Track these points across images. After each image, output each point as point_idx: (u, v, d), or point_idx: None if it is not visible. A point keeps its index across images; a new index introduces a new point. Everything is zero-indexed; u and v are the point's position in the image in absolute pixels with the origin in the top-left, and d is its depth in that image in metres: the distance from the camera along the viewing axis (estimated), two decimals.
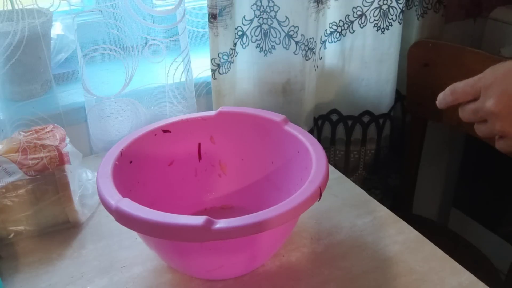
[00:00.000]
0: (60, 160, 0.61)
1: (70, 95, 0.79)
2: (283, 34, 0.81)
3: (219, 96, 0.82)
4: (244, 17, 0.80)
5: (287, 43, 0.82)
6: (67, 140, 0.64)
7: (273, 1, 0.78)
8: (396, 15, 0.90)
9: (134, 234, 0.61)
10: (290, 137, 0.61)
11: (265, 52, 0.83)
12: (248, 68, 0.84)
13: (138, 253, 0.60)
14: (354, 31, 0.90)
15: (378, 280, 0.55)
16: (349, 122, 1.00)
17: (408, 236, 0.62)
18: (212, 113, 0.66)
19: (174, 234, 0.46)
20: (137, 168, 0.60)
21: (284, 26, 0.80)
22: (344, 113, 0.99)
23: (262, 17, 0.80)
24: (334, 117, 1.00)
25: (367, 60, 0.93)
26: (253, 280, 0.56)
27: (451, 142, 1.26)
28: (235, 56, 0.82)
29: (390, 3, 0.88)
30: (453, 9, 1.10)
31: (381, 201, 0.69)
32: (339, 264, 0.58)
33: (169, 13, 0.74)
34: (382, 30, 0.90)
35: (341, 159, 1.04)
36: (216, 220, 0.45)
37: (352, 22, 0.90)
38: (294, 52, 0.83)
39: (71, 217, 0.64)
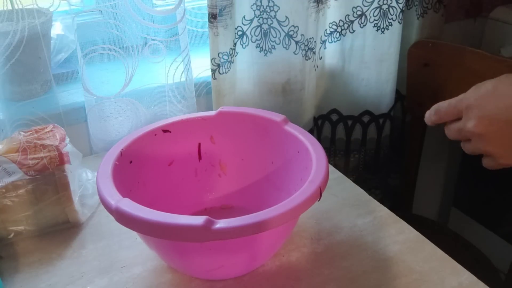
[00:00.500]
0: (60, 160, 0.61)
1: (70, 95, 0.79)
2: (283, 34, 0.81)
3: (219, 96, 0.82)
4: (244, 17, 0.80)
5: (287, 43, 0.82)
6: (67, 140, 0.64)
7: (273, 1, 0.78)
8: (396, 15, 0.90)
9: (134, 234, 0.61)
10: (290, 137, 0.61)
11: (265, 52, 0.83)
12: (248, 68, 0.84)
13: (138, 253, 0.60)
14: (354, 31, 0.90)
15: (378, 280, 0.55)
16: (349, 122, 1.00)
17: (408, 236, 0.62)
18: (212, 113, 0.66)
19: (174, 234, 0.46)
20: (137, 168, 0.60)
21: (284, 26, 0.80)
22: (344, 113, 0.99)
23: (262, 17, 0.80)
24: (334, 117, 1.00)
25: (367, 60, 0.93)
26: (253, 280, 0.56)
27: (451, 142, 1.26)
28: (235, 56, 0.82)
29: (390, 3, 0.88)
30: (453, 9, 1.10)
31: (381, 201, 0.69)
32: (339, 264, 0.58)
33: (169, 13, 0.74)
34: (382, 30, 0.90)
35: (341, 159, 1.04)
36: (216, 220, 0.45)
37: (352, 22, 0.90)
38: (294, 52, 0.83)
39: (71, 217, 0.64)
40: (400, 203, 1.13)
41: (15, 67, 0.70)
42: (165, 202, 0.60)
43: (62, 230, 0.64)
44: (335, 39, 0.92)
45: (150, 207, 0.47)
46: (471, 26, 1.16)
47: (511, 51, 1.05)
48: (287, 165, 0.62)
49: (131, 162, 0.59)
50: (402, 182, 1.12)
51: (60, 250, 0.61)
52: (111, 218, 0.48)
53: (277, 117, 0.63)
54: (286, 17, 0.80)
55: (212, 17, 0.75)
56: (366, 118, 0.99)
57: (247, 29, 0.81)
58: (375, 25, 0.90)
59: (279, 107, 0.87)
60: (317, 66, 0.91)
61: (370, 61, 0.93)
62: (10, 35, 0.67)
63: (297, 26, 0.81)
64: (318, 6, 0.82)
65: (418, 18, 0.96)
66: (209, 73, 0.81)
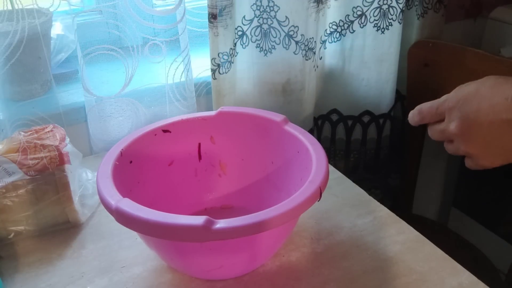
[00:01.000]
0: (60, 160, 0.61)
1: (70, 95, 0.79)
2: (283, 34, 0.81)
3: (219, 96, 0.82)
4: (244, 17, 0.80)
5: (287, 43, 0.82)
6: (67, 140, 0.64)
7: (273, 1, 0.78)
8: (396, 15, 0.90)
9: (134, 234, 0.61)
10: (290, 137, 0.61)
11: (265, 52, 0.83)
12: (248, 68, 0.84)
13: (138, 253, 0.60)
14: (354, 31, 0.90)
15: (378, 280, 0.55)
16: (349, 122, 1.00)
17: (408, 236, 0.62)
18: (212, 113, 0.66)
19: (174, 234, 0.46)
20: (137, 168, 0.60)
21: (284, 26, 0.80)
22: (344, 113, 0.99)
23: (262, 17, 0.80)
24: (334, 117, 1.00)
25: (367, 60, 0.93)
26: (253, 280, 0.56)
27: None
28: (235, 56, 0.82)
29: (390, 3, 0.88)
30: (453, 9, 1.10)
31: (381, 201, 0.69)
32: (339, 264, 0.58)
33: (169, 13, 0.74)
34: (382, 30, 0.90)
35: (341, 159, 1.04)
36: (216, 220, 0.45)
37: (352, 22, 0.90)
38: (294, 52, 0.83)
39: (71, 217, 0.64)
40: (400, 203, 1.13)
41: (15, 67, 0.70)
42: (165, 202, 0.60)
43: (62, 230, 0.64)
44: (335, 39, 0.92)
45: (150, 207, 0.47)
46: (471, 26, 1.16)
47: (511, 51, 1.05)
48: (287, 165, 0.62)
49: (131, 162, 0.59)
50: (402, 182, 1.12)
51: (60, 250, 0.61)
52: (111, 218, 0.48)
53: (277, 117, 0.63)
54: (286, 17, 0.80)
55: (212, 17, 0.75)
56: (366, 118, 0.99)
57: (247, 29, 0.81)
58: (375, 25, 0.90)
59: (279, 107, 0.87)
60: (317, 66, 0.91)
61: (370, 61, 0.93)
62: (10, 35, 0.67)
63: (297, 26, 0.81)
64: (318, 6, 0.82)
65: (418, 18, 0.96)
66: (209, 73, 0.81)
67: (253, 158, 0.66)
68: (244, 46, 0.82)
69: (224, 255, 0.51)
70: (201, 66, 0.85)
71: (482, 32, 1.14)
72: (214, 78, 0.80)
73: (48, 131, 0.64)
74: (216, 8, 0.74)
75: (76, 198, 0.63)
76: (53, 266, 0.58)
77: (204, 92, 0.87)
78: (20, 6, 0.66)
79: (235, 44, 0.81)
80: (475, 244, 1.03)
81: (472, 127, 0.48)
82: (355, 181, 0.73)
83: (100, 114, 0.78)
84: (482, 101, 0.47)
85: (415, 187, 1.10)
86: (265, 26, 0.81)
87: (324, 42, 0.91)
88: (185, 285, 0.55)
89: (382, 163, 1.06)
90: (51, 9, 0.70)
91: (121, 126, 0.81)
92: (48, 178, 0.61)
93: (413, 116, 0.55)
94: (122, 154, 0.57)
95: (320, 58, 0.92)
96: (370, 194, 0.70)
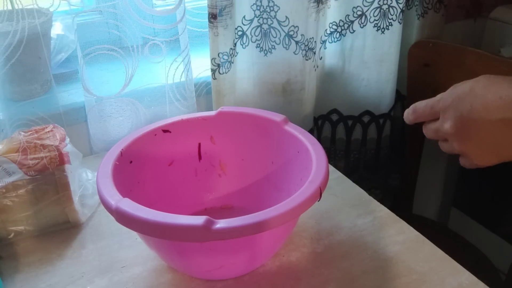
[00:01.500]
0: (60, 160, 0.61)
1: (70, 95, 0.79)
2: (283, 34, 0.81)
3: (219, 96, 0.82)
4: (244, 17, 0.80)
5: (287, 43, 0.82)
6: (67, 140, 0.64)
7: (273, 1, 0.78)
8: (396, 15, 0.90)
9: (134, 234, 0.61)
10: (290, 137, 0.61)
11: (265, 52, 0.83)
12: (248, 68, 0.84)
13: (138, 253, 0.60)
14: (354, 31, 0.90)
15: (378, 280, 0.55)
16: (349, 122, 1.00)
17: (408, 236, 0.62)
18: (212, 113, 0.66)
19: (174, 234, 0.46)
20: (137, 168, 0.60)
21: (284, 26, 0.80)
22: (344, 113, 0.99)
23: (262, 17, 0.80)
24: (334, 117, 1.00)
25: (367, 60, 0.93)
26: (253, 280, 0.56)
27: None
28: (235, 56, 0.82)
29: (390, 3, 0.88)
30: (454, 9, 1.10)
31: (381, 201, 0.69)
32: (339, 264, 0.58)
33: (169, 13, 0.74)
34: (382, 30, 0.90)
35: (341, 159, 1.04)
36: (216, 220, 0.45)
37: (352, 22, 0.90)
38: (294, 52, 0.83)
39: (71, 217, 0.64)
40: (400, 203, 1.13)
41: (15, 67, 0.70)
42: (165, 202, 0.60)
43: (62, 230, 0.64)
44: (335, 39, 0.92)
45: (150, 207, 0.47)
46: (471, 26, 1.16)
47: (511, 51, 1.05)
48: (287, 165, 0.62)
49: (131, 162, 0.59)
50: (402, 182, 1.12)
51: (60, 250, 0.61)
52: (111, 218, 0.48)
53: (277, 117, 0.63)
54: (286, 17, 0.80)
55: (212, 17, 0.75)
56: (366, 118, 0.99)
57: (247, 29, 0.81)
58: (375, 25, 0.90)
59: (279, 107, 0.87)
60: (317, 66, 0.91)
61: (370, 61, 0.93)
62: (10, 35, 0.67)
63: (297, 26, 0.81)
64: (318, 6, 0.82)
65: (418, 18, 0.96)
66: (209, 73, 0.81)
67: (253, 158, 0.66)
68: (244, 46, 0.82)
69: (224, 255, 0.51)
70: (201, 66, 0.85)
71: (482, 32, 1.14)
72: (214, 78, 0.80)
73: (48, 131, 0.64)
74: (216, 8, 0.74)
75: (76, 198, 0.63)
76: (53, 266, 0.58)
77: (204, 92, 0.87)
78: (20, 6, 0.66)
79: (235, 44, 0.81)
80: (475, 244, 1.03)
81: (466, 126, 0.48)
82: (355, 181, 0.73)
83: (100, 114, 0.78)
84: (476, 100, 0.47)
85: (415, 187, 1.10)
86: (265, 26, 0.81)
87: (324, 42, 0.91)
88: (185, 285, 0.55)
89: (382, 163, 1.06)
90: (51, 9, 0.70)
91: (121, 126, 0.81)
92: (48, 178, 0.61)
93: (408, 115, 0.56)
94: (122, 154, 0.57)
95: (320, 58, 0.92)
96: (370, 194, 0.70)
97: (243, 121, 0.65)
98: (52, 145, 0.62)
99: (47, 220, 0.63)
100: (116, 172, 0.54)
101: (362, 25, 0.90)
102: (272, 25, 0.80)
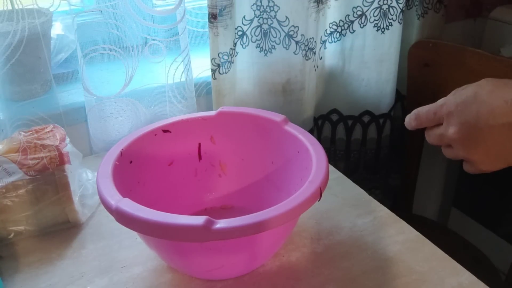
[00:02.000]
0: (60, 160, 0.61)
1: (70, 95, 0.79)
2: (283, 34, 0.81)
3: (219, 96, 0.82)
4: (244, 17, 0.80)
5: (287, 43, 0.82)
6: (67, 140, 0.64)
7: (273, 1, 0.78)
8: (396, 15, 0.90)
9: (134, 234, 0.61)
10: (290, 137, 0.61)
11: (265, 52, 0.83)
12: (248, 68, 0.84)
13: (138, 253, 0.60)
14: (354, 31, 0.90)
15: (378, 280, 0.55)
16: (349, 122, 1.00)
17: (408, 236, 0.62)
18: (212, 113, 0.66)
19: (174, 234, 0.46)
20: (137, 168, 0.60)
21: (284, 26, 0.80)
22: (344, 113, 0.99)
23: (262, 17, 0.80)
24: (334, 117, 1.00)
25: (367, 60, 0.93)
26: (253, 280, 0.56)
27: None
28: (235, 56, 0.82)
29: (390, 3, 0.88)
30: (453, 9, 1.10)
31: (381, 201, 0.69)
32: (339, 264, 0.58)
33: (169, 13, 0.74)
34: (382, 30, 0.90)
35: (341, 159, 1.04)
36: (216, 220, 0.45)
37: (352, 22, 0.90)
38: (294, 52, 0.83)
39: (71, 217, 0.64)
40: (400, 203, 1.13)
41: (15, 67, 0.70)
42: (165, 202, 0.60)
43: (62, 230, 0.64)
44: (335, 39, 0.92)
45: (150, 207, 0.47)
46: (471, 26, 1.16)
47: (511, 51, 1.05)
48: (287, 165, 0.62)
49: (131, 162, 0.59)
50: (402, 182, 1.12)
51: (60, 250, 0.61)
52: (111, 218, 0.48)
53: (277, 117, 0.63)
54: (286, 17, 0.80)
55: (212, 17, 0.75)
56: (366, 118, 0.99)
57: (247, 29, 0.81)
58: (375, 25, 0.90)
59: (279, 107, 0.87)
60: (317, 66, 0.91)
61: (370, 61, 0.93)
62: (10, 35, 0.67)
63: (297, 26, 0.81)
64: (318, 6, 0.82)
65: (418, 18, 0.96)
66: (209, 73, 0.81)
67: (253, 158, 0.66)
68: (244, 46, 0.82)
69: (224, 255, 0.51)
70: (201, 66, 0.85)
71: (482, 32, 1.14)
72: (214, 78, 0.80)
73: (48, 131, 0.64)
74: (216, 8, 0.74)
75: (76, 198, 0.63)
76: (53, 266, 0.58)
77: (204, 92, 0.87)
78: (20, 6, 0.66)
79: (235, 44, 0.81)
80: (475, 244, 1.03)
81: (472, 132, 0.48)
82: (355, 181, 0.73)
83: (100, 114, 0.78)
84: (481, 106, 0.47)
85: (415, 187, 1.10)
86: (265, 26, 0.81)
87: (324, 42, 0.91)
88: (185, 285, 0.55)
89: (382, 163, 1.06)
90: (51, 9, 0.70)
91: (121, 126, 0.81)
92: (48, 178, 0.61)
93: (410, 121, 0.55)
94: (122, 154, 0.57)
95: (320, 58, 0.92)
96: (370, 194, 0.70)
97: (243, 121, 0.65)
98: (52, 145, 0.62)
99: (47, 220, 0.63)
100: (116, 172, 0.54)
101: (362, 25, 0.90)
102: (272, 25, 0.80)
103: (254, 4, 0.79)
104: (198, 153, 0.67)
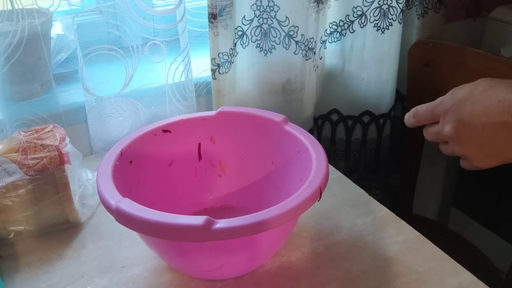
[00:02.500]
0: (60, 160, 0.61)
1: (70, 95, 0.79)
2: (283, 34, 0.81)
3: (219, 96, 0.82)
4: (244, 17, 0.80)
5: (287, 43, 0.82)
6: (67, 140, 0.64)
7: (273, 1, 0.78)
8: (396, 15, 0.89)
9: (134, 234, 0.61)
10: (290, 137, 0.61)
11: (265, 52, 0.83)
12: (248, 68, 0.84)
13: (138, 253, 0.60)
14: (354, 31, 0.90)
15: (378, 280, 0.55)
16: (349, 122, 1.00)
17: (408, 236, 0.62)
18: (212, 113, 0.66)
19: (174, 234, 0.46)
20: (137, 168, 0.60)
21: (284, 26, 0.80)
22: (344, 113, 0.99)
23: (262, 17, 0.80)
24: (334, 117, 1.00)
25: (367, 60, 0.93)
26: (253, 280, 0.56)
27: None
28: (235, 56, 0.82)
29: (390, 3, 0.88)
30: (453, 9, 1.10)
31: (381, 201, 0.69)
32: (339, 264, 0.58)
33: (169, 13, 0.74)
34: (382, 30, 0.90)
35: (341, 159, 1.04)
36: (216, 220, 0.45)
37: (352, 22, 0.90)
38: (294, 52, 0.83)
39: (71, 217, 0.64)
40: (400, 203, 1.13)
41: (15, 67, 0.70)
42: (165, 202, 0.60)
43: (62, 230, 0.64)
44: (335, 39, 0.92)
45: (150, 207, 0.47)
46: (471, 26, 1.16)
47: (511, 51, 1.05)
48: (287, 165, 0.62)
49: (131, 162, 0.59)
50: (402, 182, 1.12)
51: (60, 250, 0.61)
52: (111, 218, 0.48)
53: (277, 117, 0.63)
54: (286, 17, 0.80)
55: (212, 17, 0.75)
56: (366, 118, 0.99)
57: (247, 29, 0.81)
58: (375, 25, 0.90)
59: (279, 107, 0.87)
60: (317, 66, 0.91)
61: (370, 61, 0.93)
62: (10, 35, 0.67)
63: (297, 26, 0.81)
64: (318, 6, 0.82)
65: (418, 18, 0.96)
66: (209, 73, 0.81)
67: (253, 158, 0.66)
68: (244, 46, 0.82)
69: (224, 255, 0.51)
70: (201, 66, 0.85)
71: (482, 32, 1.14)
72: (214, 78, 0.80)
73: (48, 131, 0.64)
74: (216, 8, 0.74)
75: (76, 198, 0.63)
76: (53, 266, 0.58)
77: (204, 92, 0.87)
78: (20, 6, 0.66)
79: (235, 44, 0.81)
80: (475, 244, 1.03)
81: (466, 130, 0.49)
82: (355, 181, 0.73)
83: (100, 114, 0.78)
84: (475, 104, 0.48)
85: (415, 187, 1.10)
86: (265, 26, 0.81)
87: (324, 42, 0.91)
88: (185, 285, 0.55)
89: (382, 163, 1.06)
90: (51, 9, 0.70)
91: (121, 126, 0.81)
92: (48, 178, 0.61)
93: (409, 118, 0.56)
94: (122, 154, 0.57)
95: (320, 58, 0.92)
96: (370, 194, 0.70)
97: (243, 121, 0.65)
98: (52, 145, 0.62)
99: (47, 220, 0.63)
100: (116, 172, 0.54)
101: (362, 25, 0.90)
102: (272, 25, 0.80)
103: (254, 4, 0.79)
104: (198, 153, 0.67)
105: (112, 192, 0.50)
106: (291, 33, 0.81)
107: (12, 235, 0.61)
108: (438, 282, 0.55)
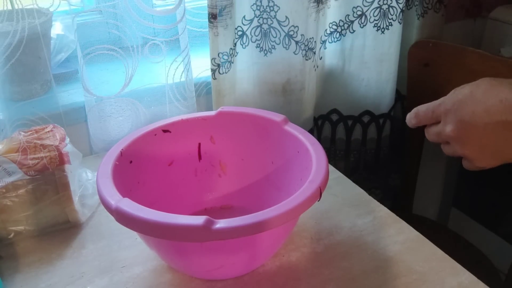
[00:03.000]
0: (60, 160, 0.61)
1: (70, 95, 0.79)
2: (283, 34, 0.81)
3: (219, 96, 0.82)
4: (244, 17, 0.80)
5: (287, 43, 0.82)
6: (67, 140, 0.64)
7: (273, 1, 0.78)
8: (396, 15, 0.90)
9: (134, 234, 0.61)
10: (290, 137, 0.61)
11: (265, 52, 0.83)
12: (248, 68, 0.84)
13: (138, 253, 0.60)
14: (354, 31, 0.90)
15: (378, 280, 0.55)
16: (349, 122, 1.00)
17: (408, 236, 0.62)
18: (212, 113, 0.66)
19: (174, 234, 0.46)
20: (137, 168, 0.60)
21: (284, 26, 0.80)
22: (344, 113, 0.99)
23: (262, 17, 0.80)
24: (334, 117, 1.00)
25: (367, 60, 0.93)
26: (253, 280, 0.56)
27: None
28: (235, 56, 0.82)
29: (390, 3, 0.88)
30: (453, 9, 1.10)
31: (381, 201, 0.69)
32: (339, 264, 0.58)
33: (169, 13, 0.74)
34: (382, 30, 0.90)
35: (341, 159, 1.04)
36: (216, 220, 0.45)
37: (352, 22, 0.90)
38: (294, 52, 0.83)
39: (71, 217, 0.64)
40: (400, 203, 1.13)
41: (15, 67, 0.70)
42: (165, 202, 0.60)
43: (62, 230, 0.64)
44: (335, 39, 0.92)
45: (150, 207, 0.47)
46: (471, 26, 1.16)
47: (511, 51, 1.05)
48: (287, 165, 0.62)
49: (131, 162, 0.59)
50: (402, 182, 1.12)
51: (60, 250, 0.61)
52: (111, 218, 0.48)
53: (277, 117, 0.63)
54: (286, 17, 0.80)
55: (212, 17, 0.75)
56: (366, 118, 0.99)
57: (247, 29, 0.81)
58: (375, 25, 0.90)
59: (279, 107, 0.87)
60: (317, 66, 0.91)
61: (370, 61, 0.93)
62: (10, 35, 0.67)
63: (297, 26, 0.81)
64: (318, 6, 0.82)
65: (418, 18, 0.96)
66: (209, 73, 0.81)
67: (253, 158, 0.66)
68: (244, 46, 0.82)
69: (224, 255, 0.51)
70: (201, 66, 0.85)
71: (482, 32, 1.14)
72: (214, 78, 0.80)
73: (48, 131, 0.64)
74: (216, 8, 0.74)
75: (76, 198, 0.63)
76: (53, 266, 0.58)
77: (204, 92, 0.87)
78: (20, 6, 0.66)
79: (235, 44, 0.81)
80: (475, 244, 1.03)
81: (467, 130, 0.49)
82: (355, 181, 0.73)
83: (100, 114, 0.78)
84: (477, 104, 0.48)
85: (415, 187, 1.10)
86: (265, 26, 0.81)
87: (324, 42, 0.91)
88: (185, 285, 0.55)
89: (382, 163, 1.06)
90: (51, 9, 0.70)
91: (121, 126, 0.81)
92: (48, 178, 0.61)
93: (410, 119, 0.56)
94: (122, 154, 0.57)
95: (320, 58, 0.92)
96: (370, 194, 0.70)
97: (243, 121, 0.65)
98: (52, 145, 0.62)
99: (47, 220, 0.63)
100: (116, 172, 0.54)
101: (362, 25, 0.90)
102: (272, 25, 0.80)
103: (254, 4, 0.79)
104: (198, 153, 0.67)
105: (112, 192, 0.50)
106: (291, 33, 0.81)
107: (12, 235, 0.61)
108: (438, 282, 0.55)
